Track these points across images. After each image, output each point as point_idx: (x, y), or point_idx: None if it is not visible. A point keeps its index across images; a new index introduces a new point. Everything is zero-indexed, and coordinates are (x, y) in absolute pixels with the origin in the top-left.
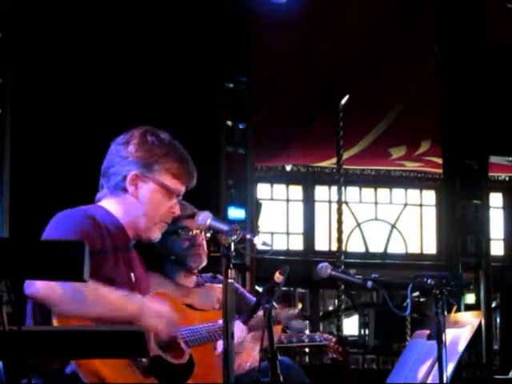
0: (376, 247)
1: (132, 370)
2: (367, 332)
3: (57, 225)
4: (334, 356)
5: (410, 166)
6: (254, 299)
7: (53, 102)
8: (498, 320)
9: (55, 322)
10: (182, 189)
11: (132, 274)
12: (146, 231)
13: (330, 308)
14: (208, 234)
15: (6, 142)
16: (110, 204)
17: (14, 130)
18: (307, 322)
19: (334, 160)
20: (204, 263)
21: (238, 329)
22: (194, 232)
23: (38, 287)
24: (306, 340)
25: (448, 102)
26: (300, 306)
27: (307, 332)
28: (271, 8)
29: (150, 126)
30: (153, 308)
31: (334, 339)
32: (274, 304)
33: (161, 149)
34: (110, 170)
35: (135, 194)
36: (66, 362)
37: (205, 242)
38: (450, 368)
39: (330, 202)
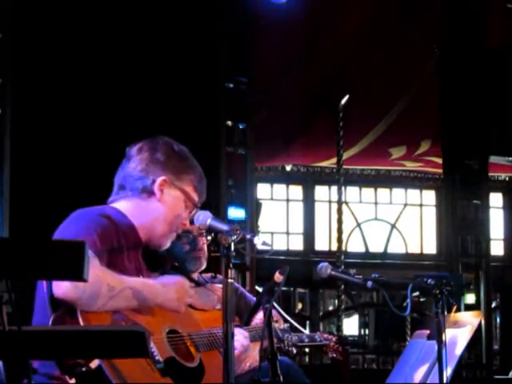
0: (376, 247)
1: (151, 371)
2: (367, 332)
3: (73, 223)
4: (334, 356)
5: (410, 165)
6: (254, 299)
7: (53, 101)
8: (498, 320)
9: (80, 320)
10: (197, 202)
11: (140, 276)
12: (161, 237)
13: (330, 308)
14: (209, 237)
15: (6, 142)
16: (125, 205)
17: (14, 130)
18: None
19: (334, 160)
20: (203, 267)
21: (243, 337)
22: (196, 234)
23: (66, 289)
24: (306, 340)
25: (448, 102)
26: (300, 306)
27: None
28: (271, 8)
29: (167, 137)
30: (169, 287)
31: (333, 339)
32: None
33: (187, 161)
34: (135, 172)
35: (161, 199)
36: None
37: (205, 246)
38: (449, 368)
39: (330, 201)
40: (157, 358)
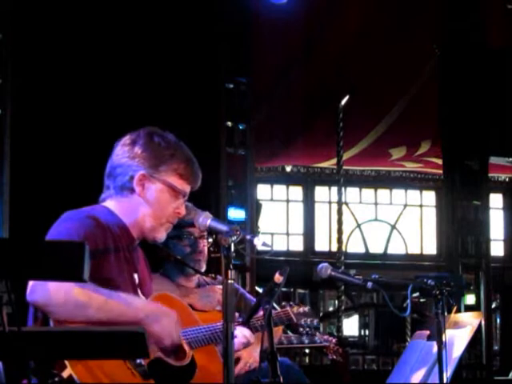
0: (376, 248)
1: (131, 375)
2: (367, 332)
3: (60, 225)
4: (334, 357)
5: (410, 166)
6: (254, 300)
7: (53, 102)
8: (498, 321)
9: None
10: (188, 189)
11: (135, 275)
12: (152, 231)
13: (330, 308)
14: (210, 240)
15: (6, 142)
16: (114, 204)
17: (13, 131)
18: (317, 319)
19: (334, 161)
20: (203, 269)
21: (242, 335)
22: (197, 236)
23: (39, 296)
24: (306, 341)
25: (448, 102)
26: None
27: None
28: (271, 8)
29: (155, 127)
30: (157, 313)
31: (333, 340)
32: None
33: (168, 149)
34: (115, 170)
35: (142, 195)
36: (63, 367)
37: (206, 248)
38: (449, 369)
39: (330, 202)
40: (138, 361)
